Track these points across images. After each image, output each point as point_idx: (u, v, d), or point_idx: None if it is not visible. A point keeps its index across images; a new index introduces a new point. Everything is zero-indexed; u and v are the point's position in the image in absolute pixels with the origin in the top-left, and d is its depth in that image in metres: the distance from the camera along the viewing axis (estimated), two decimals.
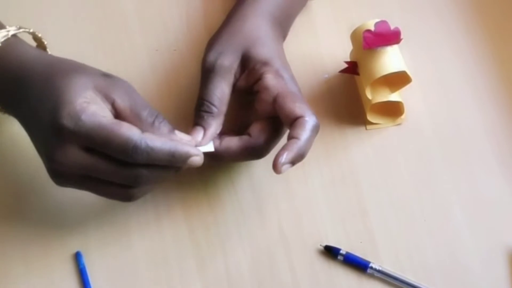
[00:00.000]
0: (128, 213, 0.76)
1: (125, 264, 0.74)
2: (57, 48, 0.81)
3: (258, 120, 0.73)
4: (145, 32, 0.83)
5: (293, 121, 0.70)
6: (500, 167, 0.78)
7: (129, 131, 0.65)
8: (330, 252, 0.74)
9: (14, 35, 0.71)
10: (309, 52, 0.82)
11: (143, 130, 0.67)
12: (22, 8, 0.84)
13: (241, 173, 0.77)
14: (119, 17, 0.84)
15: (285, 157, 0.67)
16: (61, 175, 0.67)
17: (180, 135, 0.70)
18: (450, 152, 0.78)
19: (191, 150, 0.68)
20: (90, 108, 0.65)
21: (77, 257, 0.74)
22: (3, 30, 0.70)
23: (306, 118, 0.70)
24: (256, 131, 0.72)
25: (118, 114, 0.68)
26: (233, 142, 0.72)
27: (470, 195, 0.77)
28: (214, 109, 0.72)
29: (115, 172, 0.66)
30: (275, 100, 0.71)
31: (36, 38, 0.75)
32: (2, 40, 0.70)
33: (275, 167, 0.67)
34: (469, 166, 0.78)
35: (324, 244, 0.74)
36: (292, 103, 0.70)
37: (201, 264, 0.74)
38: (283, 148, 0.68)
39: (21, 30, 0.72)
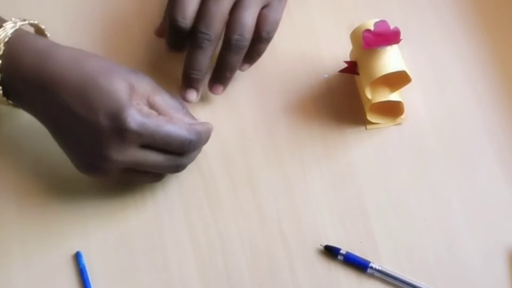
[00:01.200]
0: (128, 213, 0.76)
1: (125, 264, 0.74)
2: None
3: None
4: (145, 31, 0.83)
5: None
6: (500, 167, 0.78)
7: (184, 129, 0.70)
8: (330, 252, 0.74)
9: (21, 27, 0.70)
10: (309, 52, 0.82)
11: (178, 117, 0.71)
12: (21, 9, 0.83)
13: (241, 172, 0.77)
14: (119, 16, 0.84)
15: None
16: (106, 171, 0.69)
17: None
18: (450, 152, 0.78)
19: (209, 124, 0.74)
20: (144, 109, 0.69)
21: (77, 257, 0.74)
22: (9, 22, 0.69)
23: None
24: None
25: (151, 107, 0.71)
26: None
27: (470, 195, 0.77)
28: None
29: (168, 162, 0.71)
30: None
31: (38, 30, 0.74)
32: (12, 31, 0.68)
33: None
34: (469, 166, 0.78)
35: (324, 244, 0.74)
36: None
37: (201, 264, 0.74)
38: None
39: (26, 21, 0.71)
